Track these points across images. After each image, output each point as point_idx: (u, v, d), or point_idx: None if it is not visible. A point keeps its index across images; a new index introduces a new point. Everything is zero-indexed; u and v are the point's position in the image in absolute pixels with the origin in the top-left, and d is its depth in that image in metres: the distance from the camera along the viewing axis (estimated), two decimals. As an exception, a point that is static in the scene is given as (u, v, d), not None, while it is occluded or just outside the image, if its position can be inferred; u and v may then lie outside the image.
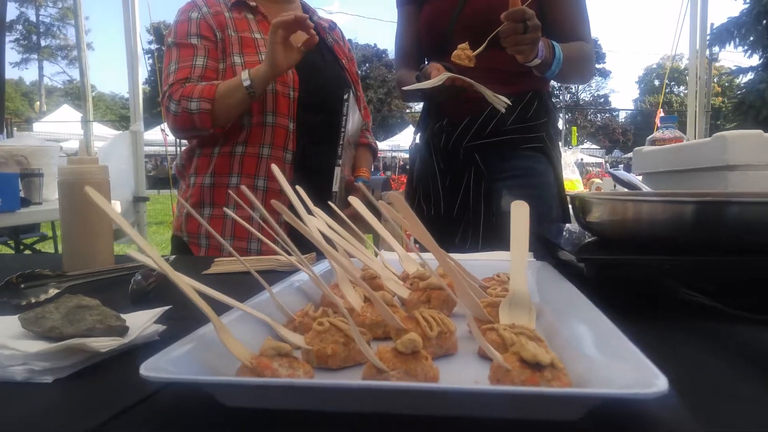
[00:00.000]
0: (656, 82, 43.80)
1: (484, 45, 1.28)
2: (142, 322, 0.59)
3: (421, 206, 1.58)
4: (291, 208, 0.75)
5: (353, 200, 0.90)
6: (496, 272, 0.78)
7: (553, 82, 1.55)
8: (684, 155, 1.29)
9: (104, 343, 0.51)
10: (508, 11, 1.17)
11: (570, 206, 1.17)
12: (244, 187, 0.62)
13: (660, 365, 0.38)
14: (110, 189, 1.15)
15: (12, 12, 38.82)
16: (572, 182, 4.69)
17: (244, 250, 1.45)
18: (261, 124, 1.45)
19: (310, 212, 0.79)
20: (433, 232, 1.69)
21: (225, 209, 0.80)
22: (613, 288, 0.68)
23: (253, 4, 1.51)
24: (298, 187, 0.84)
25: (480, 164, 1.46)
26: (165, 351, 0.42)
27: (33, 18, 40.73)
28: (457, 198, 1.50)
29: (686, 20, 4.77)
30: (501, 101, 1.29)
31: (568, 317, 0.56)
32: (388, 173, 22.09)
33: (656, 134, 1.81)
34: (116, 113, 38.08)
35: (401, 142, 25.36)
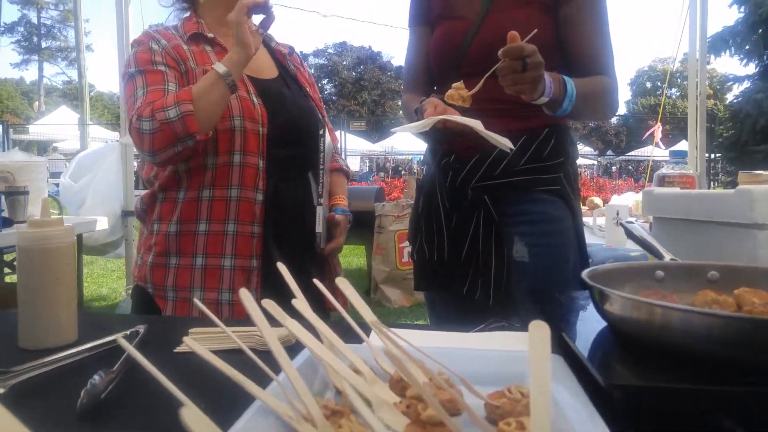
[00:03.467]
0: (648, 84, 43.93)
1: (481, 83, 1.16)
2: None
3: (423, 248, 1.47)
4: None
5: (340, 281, 0.80)
6: (508, 382, 0.67)
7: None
8: (702, 205, 1.19)
9: None
10: (504, 48, 1.06)
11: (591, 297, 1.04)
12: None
13: None
14: (80, 246, 1.03)
15: (14, 14, 39.18)
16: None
17: (215, 302, 1.34)
18: (228, 164, 1.35)
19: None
20: (437, 278, 1.57)
21: (195, 300, 0.70)
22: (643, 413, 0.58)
23: (210, 35, 1.43)
24: (292, 283, 0.73)
25: (490, 207, 1.35)
26: None
27: (34, 20, 40.73)
28: (465, 242, 1.38)
29: (684, 27, 4.68)
30: (504, 143, 1.17)
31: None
32: (381, 174, 21.98)
33: (665, 169, 1.72)
34: (113, 113, 38.07)
35: (395, 144, 25.24)
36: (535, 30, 1.08)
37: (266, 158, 1.38)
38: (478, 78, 1.18)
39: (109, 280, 6.19)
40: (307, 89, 1.57)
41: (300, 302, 0.70)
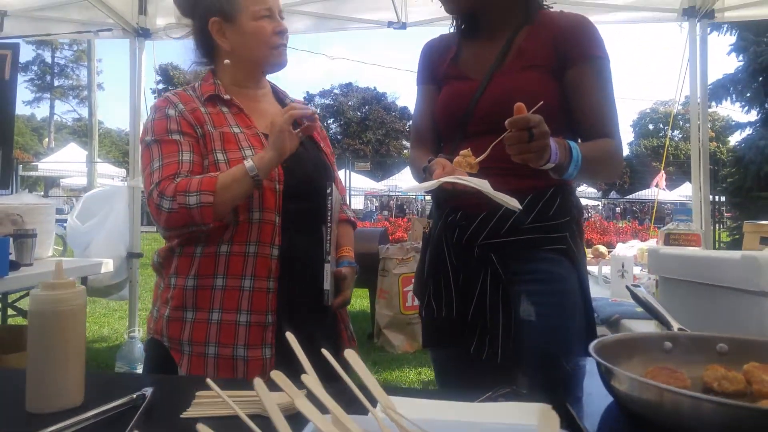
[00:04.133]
0: (650, 126, 44.45)
1: (487, 152, 1.18)
2: None
3: (431, 305, 1.46)
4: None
5: (349, 354, 0.80)
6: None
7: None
8: (709, 268, 1.20)
9: None
10: (511, 119, 1.08)
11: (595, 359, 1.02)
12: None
13: None
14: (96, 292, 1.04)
15: (29, 53, 40.37)
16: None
17: (230, 358, 1.34)
18: (247, 221, 1.38)
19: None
20: (445, 336, 1.56)
21: (207, 380, 0.70)
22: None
23: (226, 96, 1.47)
24: (301, 355, 0.74)
25: (497, 265, 1.35)
26: None
27: (48, 60, 41.88)
28: (472, 300, 1.38)
29: (686, 74, 4.71)
30: (512, 204, 1.18)
31: None
32: (385, 213, 22.07)
33: (670, 226, 1.74)
34: (121, 149, 38.71)
35: (399, 182, 25.41)
36: (541, 102, 1.11)
37: (281, 213, 1.40)
38: (484, 137, 1.21)
39: (111, 320, 6.15)
40: (321, 144, 1.61)
41: (310, 378, 0.71)
